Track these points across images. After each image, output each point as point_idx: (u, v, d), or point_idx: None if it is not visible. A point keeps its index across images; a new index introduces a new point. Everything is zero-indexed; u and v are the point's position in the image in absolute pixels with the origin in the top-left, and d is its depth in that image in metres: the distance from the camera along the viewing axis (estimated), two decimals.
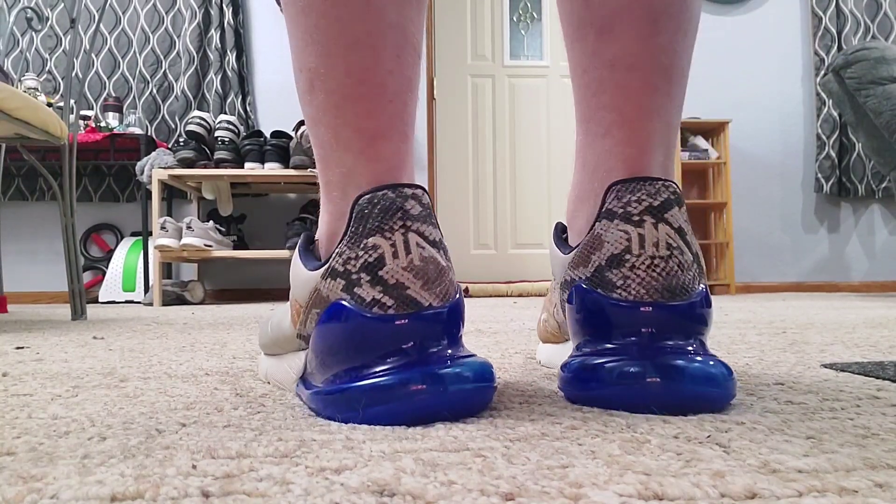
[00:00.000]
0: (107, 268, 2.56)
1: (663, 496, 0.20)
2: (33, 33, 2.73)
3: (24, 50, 2.74)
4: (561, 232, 0.45)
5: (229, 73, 2.76)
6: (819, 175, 2.94)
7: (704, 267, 0.37)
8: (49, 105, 2.10)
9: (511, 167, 3.30)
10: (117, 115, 2.63)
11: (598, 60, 0.38)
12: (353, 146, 0.36)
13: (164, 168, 2.30)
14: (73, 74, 1.53)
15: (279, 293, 2.70)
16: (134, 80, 2.77)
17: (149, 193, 2.40)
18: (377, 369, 0.32)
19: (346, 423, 0.32)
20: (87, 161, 2.57)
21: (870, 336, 0.76)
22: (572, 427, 0.30)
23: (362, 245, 0.33)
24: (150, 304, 2.25)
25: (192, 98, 2.75)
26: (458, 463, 0.24)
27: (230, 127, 2.35)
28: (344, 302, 0.33)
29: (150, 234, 2.42)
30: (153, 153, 2.40)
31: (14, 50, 2.73)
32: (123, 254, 2.54)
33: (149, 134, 2.66)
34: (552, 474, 0.23)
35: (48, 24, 2.75)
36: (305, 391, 0.36)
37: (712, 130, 2.88)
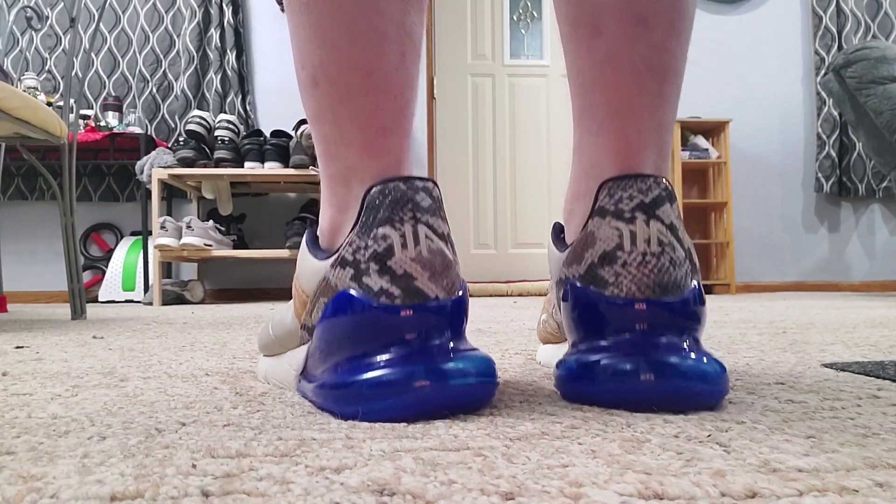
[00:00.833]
0: (106, 267, 2.56)
1: (664, 495, 0.20)
2: (33, 32, 2.73)
3: (24, 49, 2.74)
4: (559, 232, 0.45)
5: (229, 73, 2.76)
6: (819, 175, 2.94)
7: (698, 264, 0.37)
8: (49, 104, 2.10)
9: (511, 167, 3.30)
10: (117, 114, 2.63)
11: (590, 60, 0.39)
12: (357, 141, 0.36)
13: (164, 167, 2.30)
14: (73, 74, 1.52)
15: (279, 293, 2.70)
16: (134, 79, 2.77)
17: (148, 193, 2.40)
18: (380, 359, 0.32)
19: (346, 419, 0.32)
20: (87, 160, 2.57)
21: (870, 336, 0.76)
22: (572, 426, 0.30)
23: (372, 235, 0.33)
24: (150, 304, 2.25)
25: (191, 97, 2.75)
26: (459, 462, 0.24)
27: (230, 126, 2.35)
28: (352, 291, 0.33)
29: (150, 233, 2.42)
30: (153, 152, 2.40)
31: (14, 49, 2.73)
32: (123, 253, 2.54)
33: (148, 133, 2.66)
34: (552, 473, 0.23)
35: (48, 23, 2.75)
36: (307, 384, 0.36)
37: (712, 130, 2.88)
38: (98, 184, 2.74)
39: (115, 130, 2.55)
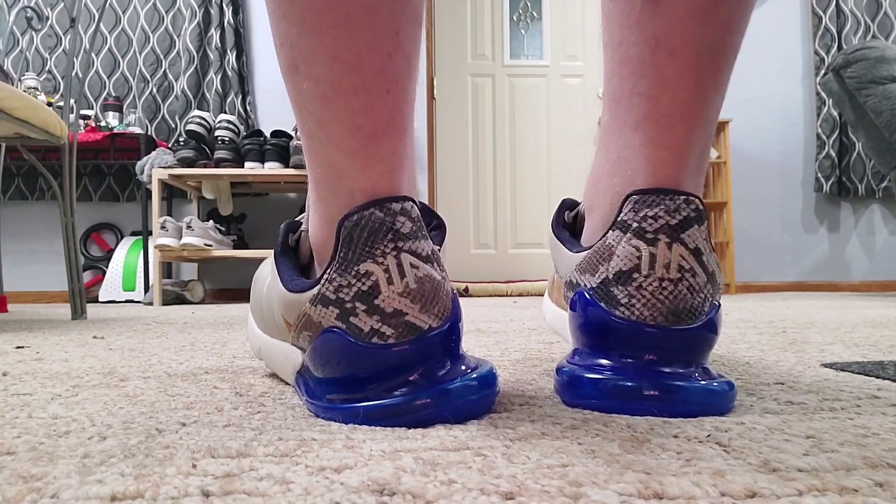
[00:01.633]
0: (107, 267, 2.56)
1: (663, 495, 0.20)
2: (33, 33, 2.73)
3: (24, 49, 2.74)
4: (567, 209, 0.43)
5: (229, 73, 2.76)
6: (819, 174, 2.94)
7: (721, 281, 0.35)
8: (49, 104, 2.10)
9: (511, 167, 3.30)
10: (117, 114, 2.63)
11: (639, 33, 0.33)
12: (344, 146, 0.32)
13: (164, 167, 2.30)
14: (73, 74, 1.53)
15: None
16: (134, 79, 2.77)
17: (149, 193, 2.40)
18: (378, 389, 0.31)
19: (346, 423, 0.32)
20: (87, 161, 2.57)
21: (870, 335, 0.76)
22: (572, 426, 0.30)
23: (353, 272, 0.31)
24: (150, 304, 2.25)
25: (192, 97, 2.75)
26: (459, 462, 0.24)
27: (230, 126, 2.35)
28: (339, 330, 0.32)
29: (150, 233, 2.42)
30: (153, 153, 2.40)
31: (14, 49, 2.73)
32: (123, 253, 2.54)
33: (149, 133, 2.66)
34: (552, 473, 0.23)
35: (48, 23, 2.75)
36: (305, 395, 0.36)
37: None
38: (98, 184, 2.74)
39: (116, 130, 2.55)
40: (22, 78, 2.43)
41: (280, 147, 2.33)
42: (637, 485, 0.21)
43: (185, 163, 2.30)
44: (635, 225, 0.33)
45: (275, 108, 2.82)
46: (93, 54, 2.73)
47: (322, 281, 0.32)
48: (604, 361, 0.34)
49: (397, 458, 0.25)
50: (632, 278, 0.33)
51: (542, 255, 3.25)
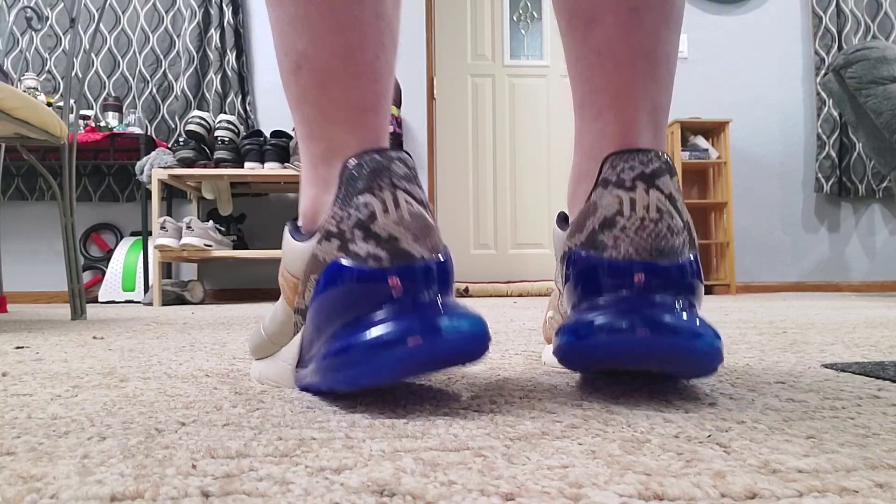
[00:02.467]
0: (106, 267, 2.56)
1: (664, 496, 0.20)
2: (33, 33, 2.73)
3: (24, 49, 2.74)
4: (564, 218, 0.45)
5: (229, 73, 2.76)
6: (819, 175, 2.94)
7: (696, 239, 0.38)
8: (49, 105, 2.10)
9: (511, 167, 3.30)
10: (117, 114, 2.63)
11: (587, 48, 0.41)
12: (339, 119, 0.38)
13: (164, 168, 2.30)
14: (73, 74, 1.53)
15: (279, 293, 2.69)
16: (134, 79, 2.77)
17: (148, 193, 2.40)
18: (373, 319, 0.32)
19: (346, 388, 0.33)
20: (87, 161, 2.57)
21: (870, 336, 0.76)
22: (572, 426, 0.30)
23: (354, 204, 0.34)
24: (150, 304, 2.25)
25: (191, 98, 2.75)
26: (458, 462, 0.24)
27: (230, 126, 2.35)
28: (341, 260, 0.34)
29: (150, 233, 2.42)
30: (153, 153, 2.40)
31: (14, 49, 2.73)
32: (123, 253, 2.54)
33: (148, 134, 2.66)
34: (552, 474, 0.23)
35: (48, 23, 2.75)
36: (305, 370, 0.37)
37: (712, 130, 2.88)
38: (98, 184, 2.74)
39: (115, 131, 2.55)
40: (22, 78, 2.43)
41: (280, 147, 2.33)
42: (637, 486, 0.21)
43: (184, 163, 2.30)
44: (614, 178, 0.37)
45: (275, 109, 2.81)
46: (92, 54, 2.73)
47: (326, 218, 0.35)
48: (598, 301, 0.36)
49: (397, 459, 0.25)
50: (615, 222, 0.36)
51: (542, 255, 3.25)
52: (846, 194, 2.95)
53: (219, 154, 2.30)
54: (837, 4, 2.95)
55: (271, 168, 2.31)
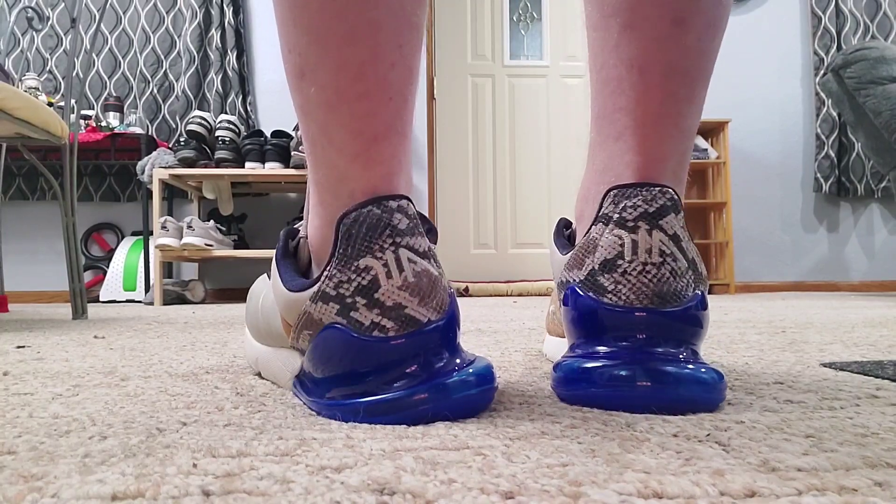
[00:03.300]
0: (107, 267, 2.56)
1: (663, 494, 0.20)
2: (34, 33, 2.73)
3: (25, 49, 2.74)
4: (562, 230, 0.45)
5: (230, 73, 2.76)
6: (818, 175, 2.94)
7: (704, 272, 0.37)
8: (50, 105, 2.10)
9: (511, 167, 3.30)
10: (118, 114, 2.63)
11: (616, 57, 0.36)
12: (346, 149, 0.33)
13: (165, 168, 2.30)
14: (74, 74, 1.52)
15: None
16: (134, 79, 2.77)
17: (149, 193, 2.40)
18: (381, 383, 0.32)
19: (346, 422, 0.32)
20: (88, 161, 2.57)
21: (869, 335, 0.76)
22: (572, 426, 0.30)
23: (353, 267, 0.32)
24: (151, 304, 2.25)
25: (192, 98, 2.75)
26: (459, 461, 0.24)
27: (231, 126, 2.35)
28: (340, 325, 0.32)
29: (151, 233, 2.42)
30: (154, 153, 2.40)
31: (15, 49, 2.73)
32: (124, 253, 2.54)
33: (149, 133, 2.66)
34: (552, 473, 0.23)
35: (49, 23, 2.75)
36: (304, 395, 0.36)
37: (712, 130, 2.88)
38: (99, 184, 2.74)
39: (116, 131, 2.55)
40: (23, 78, 2.43)
41: (280, 147, 2.33)
42: (637, 484, 0.21)
43: (185, 163, 2.30)
44: (616, 216, 0.35)
45: (275, 108, 2.82)
46: (93, 54, 2.73)
47: (322, 278, 0.33)
48: (599, 348, 0.35)
49: (397, 458, 0.25)
50: (616, 265, 0.35)
51: (542, 255, 3.25)
52: (845, 194, 2.95)
53: (219, 154, 2.30)
54: (836, 4, 2.95)
55: (272, 168, 2.31)
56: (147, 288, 2.43)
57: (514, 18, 3.33)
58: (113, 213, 2.77)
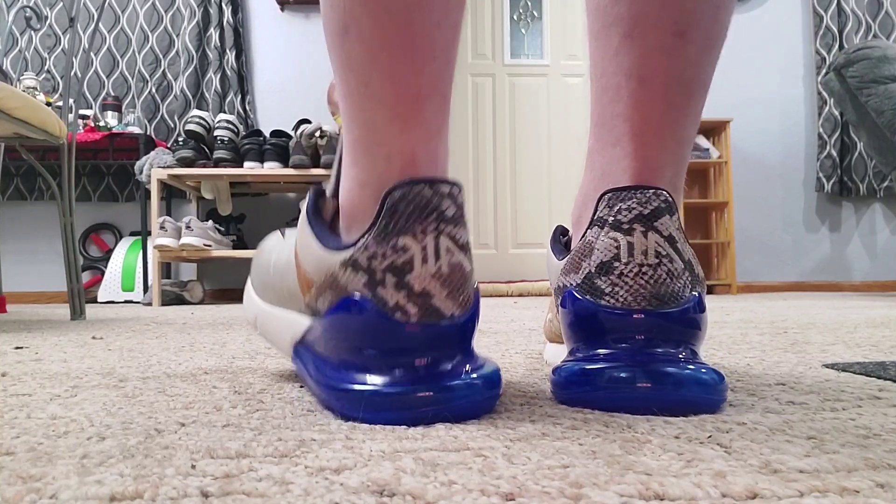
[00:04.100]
0: (106, 267, 2.56)
1: (664, 496, 0.20)
2: (32, 32, 2.73)
3: (23, 49, 2.74)
4: (559, 236, 0.45)
5: (228, 73, 2.76)
6: (820, 174, 2.94)
7: (701, 274, 0.37)
8: (48, 104, 2.10)
9: (511, 167, 3.30)
10: (116, 114, 2.63)
11: (617, 65, 0.37)
12: (387, 105, 0.32)
13: (164, 167, 2.30)
14: (72, 74, 1.53)
15: None
16: (133, 79, 2.77)
17: (148, 193, 2.40)
18: (388, 372, 0.31)
19: (345, 418, 0.32)
20: (86, 160, 2.57)
21: (871, 336, 0.76)
22: (573, 427, 0.30)
23: (391, 244, 0.31)
24: (150, 304, 2.25)
25: (191, 97, 2.75)
26: (459, 463, 0.24)
27: (229, 126, 2.35)
28: (364, 297, 0.32)
29: (150, 233, 2.42)
30: (152, 153, 2.40)
31: (13, 49, 2.73)
32: (122, 253, 2.54)
33: (148, 133, 2.67)
34: (553, 474, 0.23)
35: (47, 23, 2.75)
36: (304, 368, 0.36)
37: (713, 130, 2.88)
38: (97, 184, 2.74)
39: (115, 130, 2.55)
40: (21, 77, 2.43)
41: (279, 147, 2.33)
42: (638, 486, 0.21)
43: (184, 163, 2.30)
44: (611, 219, 0.35)
45: (274, 108, 2.81)
46: (92, 54, 2.73)
47: (357, 245, 0.32)
48: (599, 351, 0.35)
49: (397, 459, 0.25)
50: (613, 267, 0.35)
51: (543, 255, 3.25)
52: (847, 194, 2.95)
53: (218, 154, 2.30)
54: (838, 3, 2.95)
55: (271, 168, 2.31)
56: (145, 288, 2.43)
57: (515, 17, 3.33)
58: (111, 213, 2.77)
